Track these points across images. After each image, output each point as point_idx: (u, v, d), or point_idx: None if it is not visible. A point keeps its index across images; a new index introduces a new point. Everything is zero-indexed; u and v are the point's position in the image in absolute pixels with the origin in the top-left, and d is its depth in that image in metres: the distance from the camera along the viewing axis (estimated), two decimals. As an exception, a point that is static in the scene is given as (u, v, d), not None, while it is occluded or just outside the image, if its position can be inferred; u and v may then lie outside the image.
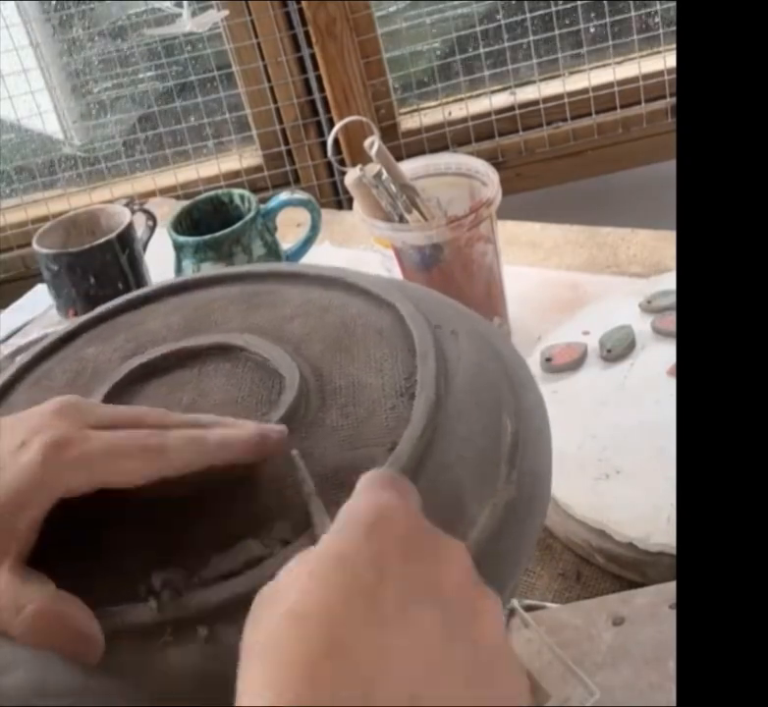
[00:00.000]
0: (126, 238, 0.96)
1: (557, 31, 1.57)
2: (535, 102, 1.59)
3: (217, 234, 0.90)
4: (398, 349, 0.51)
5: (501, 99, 1.61)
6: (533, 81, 1.59)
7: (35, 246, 0.96)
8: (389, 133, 1.58)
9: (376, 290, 0.55)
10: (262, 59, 1.57)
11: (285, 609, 0.31)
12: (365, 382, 0.50)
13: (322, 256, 1.01)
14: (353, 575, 0.32)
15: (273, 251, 0.94)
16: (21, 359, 0.58)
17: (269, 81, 1.59)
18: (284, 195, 0.96)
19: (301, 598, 0.32)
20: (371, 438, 0.47)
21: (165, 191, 1.60)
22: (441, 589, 0.32)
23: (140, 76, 1.67)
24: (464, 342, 0.51)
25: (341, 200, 1.64)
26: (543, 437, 0.49)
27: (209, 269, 0.90)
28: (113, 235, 0.95)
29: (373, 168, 0.84)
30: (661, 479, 0.67)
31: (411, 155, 0.95)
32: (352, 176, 0.84)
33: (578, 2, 1.54)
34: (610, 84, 1.57)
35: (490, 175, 0.86)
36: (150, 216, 1.02)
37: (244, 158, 1.65)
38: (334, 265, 0.60)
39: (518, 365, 0.53)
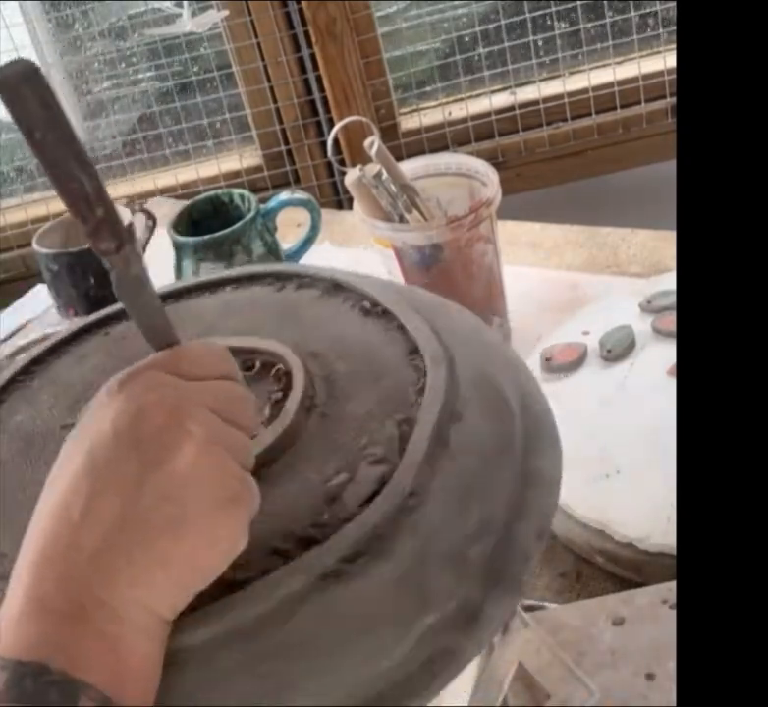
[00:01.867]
0: (126, 238, 0.95)
1: (557, 31, 1.57)
2: (535, 102, 1.59)
3: (217, 234, 0.90)
4: (409, 380, 0.50)
5: (501, 99, 1.61)
6: (533, 81, 1.59)
7: (35, 246, 0.96)
8: (389, 133, 1.58)
9: (395, 310, 0.54)
10: (262, 59, 1.57)
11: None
12: (371, 409, 0.49)
13: (322, 256, 1.01)
14: (75, 445, 0.41)
15: (273, 251, 0.94)
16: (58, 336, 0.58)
17: (269, 81, 1.59)
18: (284, 195, 0.96)
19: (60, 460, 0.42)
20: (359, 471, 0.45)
21: (165, 191, 1.60)
22: (139, 436, 0.40)
23: (140, 76, 1.67)
24: (477, 388, 0.50)
25: (341, 200, 1.64)
26: (553, 492, 0.47)
27: (209, 269, 0.90)
28: (113, 235, 0.95)
29: (373, 168, 0.84)
30: (661, 479, 0.67)
31: (411, 155, 0.95)
32: (352, 176, 0.84)
33: (578, 2, 1.54)
34: (610, 84, 1.57)
35: (490, 175, 0.86)
36: (150, 216, 1.02)
37: (244, 158, 1.65)
38: (340, 268, 0.60)
39: (538, 413, 0.51)
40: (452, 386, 0.48)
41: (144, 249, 1.00)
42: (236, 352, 0.50)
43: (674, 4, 1.53)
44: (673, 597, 0.60)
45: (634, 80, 1.56)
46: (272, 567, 0.41)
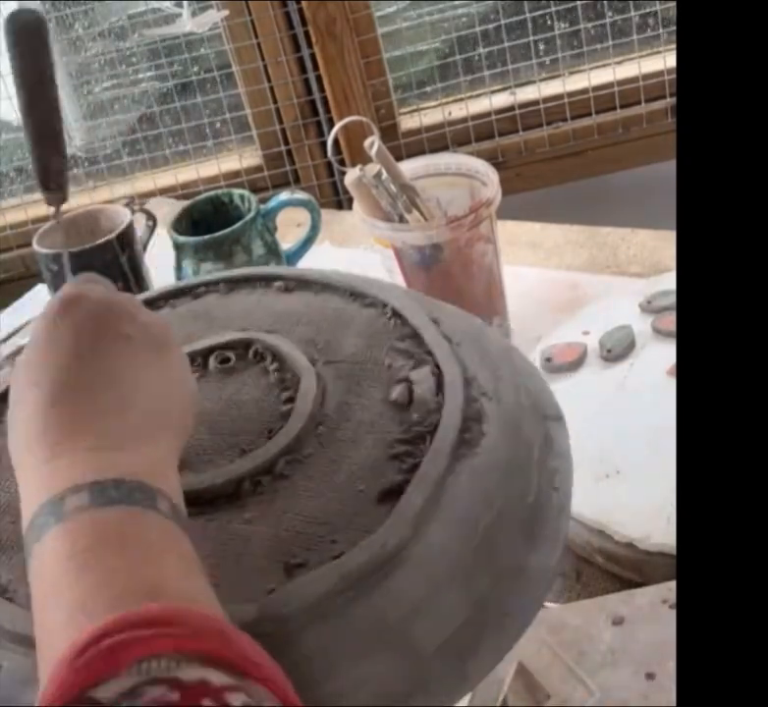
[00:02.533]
0: (126, 238, 0.96)
1: (557, 31, 1.57)
2: (535, 102, 1.59)
3: (217, 234, 0.90)
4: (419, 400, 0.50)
5: (501, 99, 1.61)
6: (533, 82, 1.59)
7: (35, 246, 0.96)
8: (389, 133, 1.58)
9: (425, 335, 0.53)
10: (262, 59, 1.57)
11: (20, 382, 0.45)
12: (376, 424, 0.49)
13: (322, 256, 1.01)
14: (53, 342, 0.45)
15: (273, 251, 0.94)
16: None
17: (269, 81, 1.59)
18: (284, 195, 0.96)
19: (24, 373, 0.45)
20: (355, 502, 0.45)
21: (165, 191, 1.60)
22: (130, 333, 0.45)
23: (140, 76, 1.67)
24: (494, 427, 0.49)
25: (341, 200, 1.64)
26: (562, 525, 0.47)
27: (209, 269, 0.90)
28: (113, 235, 0.95)
29: (373, 168, 0.84)
30: (661, 479, 0.67)
31: (411, 155, 0.95)
32: (352, 176, 0.84)
33: (578, 2, 1.54)
34: (610, 84, 1.57)
35: (490, 175, 0.86)
36: (150, 216, 1.02)
37: (244, 158, 1.65)
38: (355, 273, 0.59)
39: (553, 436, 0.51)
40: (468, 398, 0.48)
41: (145, 249, 1.00)
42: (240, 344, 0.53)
43: (674, 4, 1.53)
44: (673, 597, 0.60)
45: (634, 80, 1.56)
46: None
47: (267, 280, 0.60)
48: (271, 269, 0.68)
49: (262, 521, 0.45)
